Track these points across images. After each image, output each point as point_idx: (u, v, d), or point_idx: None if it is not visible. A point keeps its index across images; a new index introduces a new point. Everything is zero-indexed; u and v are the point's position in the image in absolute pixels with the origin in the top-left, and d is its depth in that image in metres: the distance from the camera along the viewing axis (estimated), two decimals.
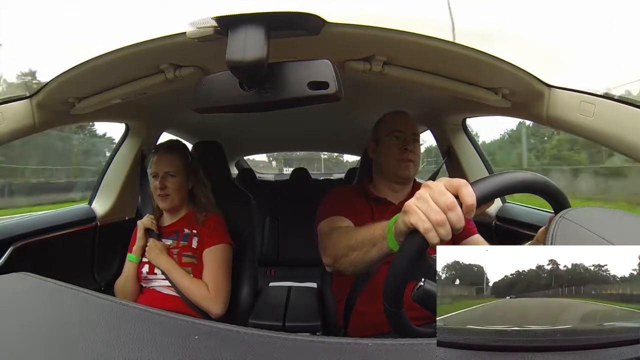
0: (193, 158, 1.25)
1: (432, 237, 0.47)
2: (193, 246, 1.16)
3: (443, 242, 0.47)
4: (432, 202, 0.48)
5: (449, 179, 0.49)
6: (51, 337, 0.37)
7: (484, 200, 0.48)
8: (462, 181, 0.48)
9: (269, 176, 3.74)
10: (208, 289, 1.10)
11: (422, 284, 0.50)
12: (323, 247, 0.85)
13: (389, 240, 0.58)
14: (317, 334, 1.23)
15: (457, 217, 0.47)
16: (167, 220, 1.23)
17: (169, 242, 1.17)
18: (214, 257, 1.14)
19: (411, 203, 0.50)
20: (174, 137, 1.69)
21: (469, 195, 0.46)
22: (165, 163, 1.17)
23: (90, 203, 1.47)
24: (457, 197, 0.48)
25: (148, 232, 1.17)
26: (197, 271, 1.13)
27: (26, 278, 0.51)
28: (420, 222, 0.48)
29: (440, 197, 0.48)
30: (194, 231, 1.18)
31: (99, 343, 0.35)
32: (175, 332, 0.37)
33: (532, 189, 0.52)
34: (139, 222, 1.19)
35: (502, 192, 0.50)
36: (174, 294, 1.11)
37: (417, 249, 0.49)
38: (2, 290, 0.49)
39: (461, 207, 0.47)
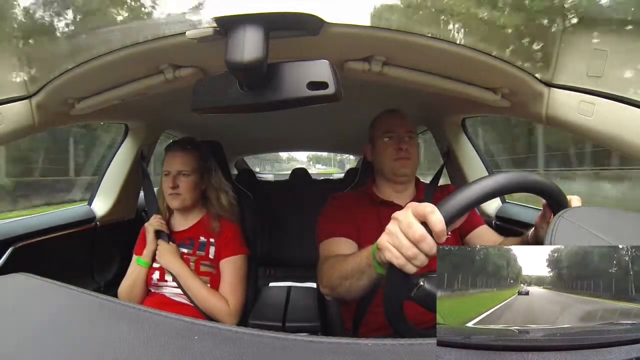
0: (209, 158, 1.20)
1: (409, 269, 0.49)
2: (210, 256, 1.12)
3: (422, 266, 0.49)
4: (402, 237, 0.49)
5: (416, 205, 0.49)
6: (51, 337, 0.37)
7: (454, 219, 0.48)
8: (429, 207, 0.48)
9: (269, 176, 3.73)
10: (228, 303, 1.06)
11: (421, 283, 0.51)
12: (320, 277, 0.85)
13: (375, 267, 0.59)
14: (317, 334, 1.23)
15: (429, 246, 0.47)
16: (180, 224, 1.18)
17: (184, 250, 1.12)
18: (232, 270, 1.10)
19: (383, 240, 0.51)
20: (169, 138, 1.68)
21: (437, 222, 0.47)
22: (179, 161, 1.11)
23: (89, 203, 1.47)
24: (426, 223, 0.48)
25: (158, 234, 1.12)
26: (215, 281, 1.10)
27: (26, 278, 0.51)
28: (395, 259, 0.49)
29: (409, 231, 0.48)
30: (211, 240, 1.13)
31: (99, 343, 0.35)
32: (175, 332, 0.37)
33: (505, 191, 0.51)
34: (147, 225, 1.14)
35: (471, 206, 0.49)
36: (186, 302, 1.06)
37: (400, 278, 0.51)
38: (2, 291, 0.49)
39: (431, 233, 0.47)
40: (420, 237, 0.47)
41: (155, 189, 1.36)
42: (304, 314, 1.32)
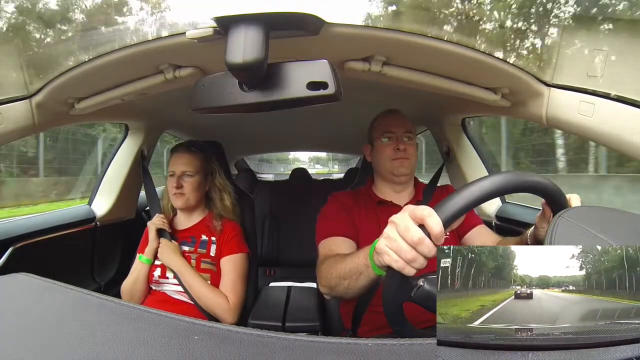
0: (213, 160, 1.22)
1: (408, 271, 0.49)
2: (211, 254, 1.14)
3: (421, 268, 0.49)
4: (400, 241, 0.49)
5: (413, 209, 0.49)
6: (51, 337, 0.37)
7: (452, 221, 0.48)
8: (427, 210, 0.48)
9: (269, 176, 3.73)
10: (227, 299, 1.07)
11: (421, 284, 0.51)
12: (318, 276, 0.85)
13: (374, 268, 0.59)
14: (317, 334, 1.23)
15: (427, 248, 0.47)
16: (182, 223, 1.20)
17: (185, 248, 1.14)
18: (233, 267, 1.12)
19: (381, 244, 0.51)
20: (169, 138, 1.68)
21: (435, 224, 0.47)
22: (183, 162, 1.15)
23: (89, 203, 1.47)
24: (424, 226, 0.48)
25: (160, 232, 1.14)
26: (215, 279, 1.11)
27: (26, 278, 0.51)
28: (394, 262, 0.49)
29: (407, 234, 0.48)
30: (212, 238, 1.15)
31: (99, 343, 0.35)
32: (175, 332, 0.37)
33: (503, 191, 0.50)
34: (149, 223, 1.16)
35: (470, 207, 0.49)
36: (186, 300, 1.08)
37: (399, 281, 0.51)
38: (2, 291, 0.49)
39: (430, 236, 0.47)
40: (418, 240, 0.47)
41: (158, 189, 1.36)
42: (304, 314, 1.32)
